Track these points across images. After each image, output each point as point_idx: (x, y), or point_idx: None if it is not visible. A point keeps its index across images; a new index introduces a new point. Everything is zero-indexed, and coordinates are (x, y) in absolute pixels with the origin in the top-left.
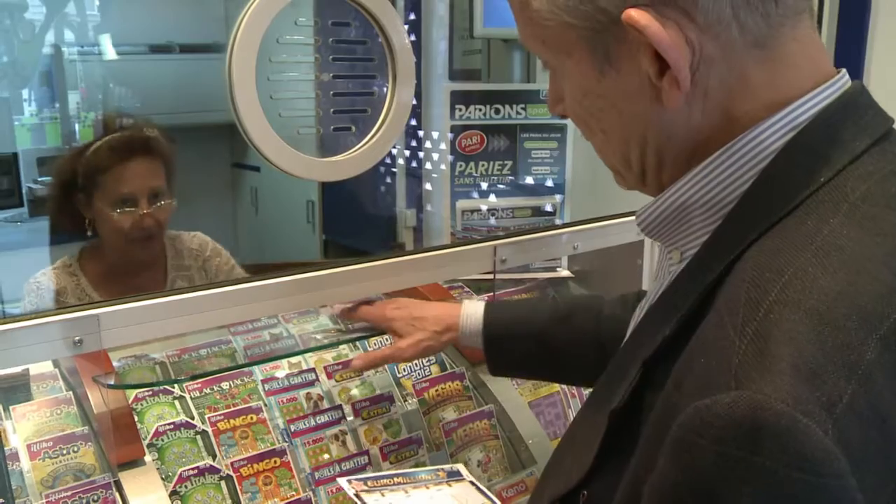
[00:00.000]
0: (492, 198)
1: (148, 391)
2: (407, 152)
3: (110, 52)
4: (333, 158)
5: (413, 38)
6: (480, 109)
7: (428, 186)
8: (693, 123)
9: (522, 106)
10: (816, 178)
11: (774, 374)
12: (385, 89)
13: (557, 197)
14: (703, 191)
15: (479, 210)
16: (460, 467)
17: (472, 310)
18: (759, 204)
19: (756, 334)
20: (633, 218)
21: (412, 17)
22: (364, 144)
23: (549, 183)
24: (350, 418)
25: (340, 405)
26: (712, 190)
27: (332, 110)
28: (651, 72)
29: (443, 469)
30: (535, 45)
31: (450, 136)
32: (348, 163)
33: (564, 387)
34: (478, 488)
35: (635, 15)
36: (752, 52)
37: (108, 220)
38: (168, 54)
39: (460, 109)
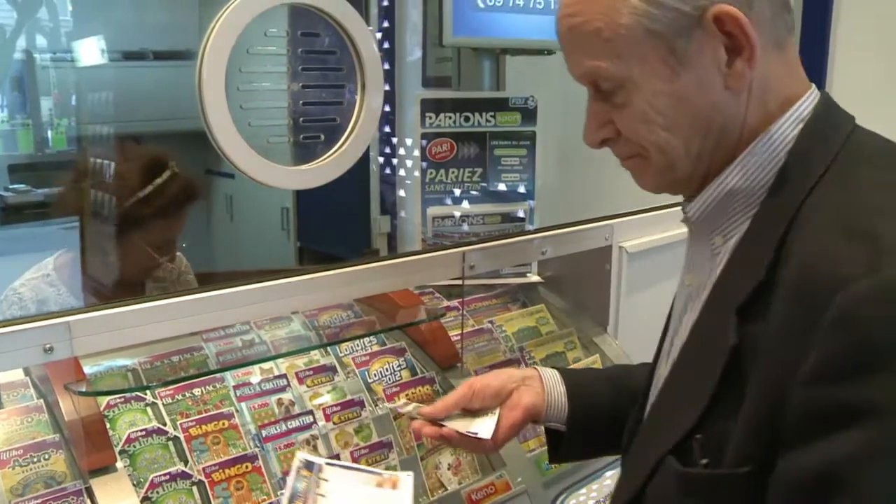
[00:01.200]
0: (463, 204)
1: (120, 398)
2: (381, 159)
3: (83, 59)
4: (303, 167)
5: (387, 45)
6: (450, 117)
7: (402, 193)
8: (740, 111)
9: (492, 114)
10: (833, 148)
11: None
12: (356, 98)
13: (529, 203)
14: (745, 177)
15: (450, 216)
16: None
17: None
18: (796, 173)
19: (865, 236)
20: (601, 223)
21: (385, 24)
22: (334, 153)
23: (521, 189)
24: (321, 423)
25: (311, 410)
26: (751, 175)
27: (301, 119)
28: (723, 60)
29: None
30: (607, 62)
31: (423, 143)
32: (318, 171)
33: None
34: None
35: (731, 10)
36: (775, 51)
37: (134, 250)
38: (142, 61)
39: (430, 117)
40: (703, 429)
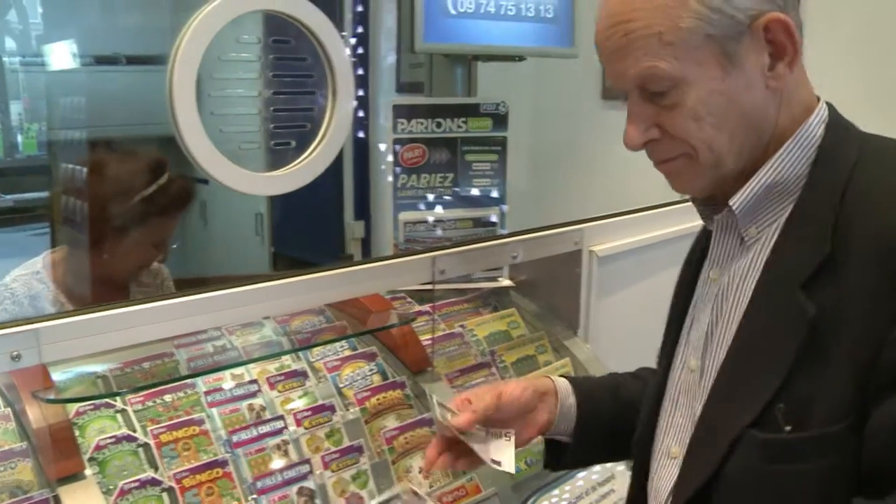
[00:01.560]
0: (435, 209)
1: (89, 405)
2: (355, 165)
3: (54, 62)
4: (274, 173)
5: (361, 50)
6: (422, 123)
7: (375, 198)
8: (774, 113)
9: (463, 120)
10: (855, 143)
11: None
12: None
13: (502, 207)
14: (784, 170)
15: (422, 222)
16: None
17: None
18: (830, 165)
19: None
20: (571, 228)
21: (360, 29)
22: (304, 159)
23: (494, 194)
24: (292, 428)
25: (282, 415)
26: (789, 169)
27: (273, 126)
28: (767, 63)
29: None
30: (665, 63)
31: (396, 148)
32: (288, 177)
33: None
34: None
35: (784, 18)
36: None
37: (132, 247)
38: (114, 65)
39: (402, 123)
40: (782, 398)
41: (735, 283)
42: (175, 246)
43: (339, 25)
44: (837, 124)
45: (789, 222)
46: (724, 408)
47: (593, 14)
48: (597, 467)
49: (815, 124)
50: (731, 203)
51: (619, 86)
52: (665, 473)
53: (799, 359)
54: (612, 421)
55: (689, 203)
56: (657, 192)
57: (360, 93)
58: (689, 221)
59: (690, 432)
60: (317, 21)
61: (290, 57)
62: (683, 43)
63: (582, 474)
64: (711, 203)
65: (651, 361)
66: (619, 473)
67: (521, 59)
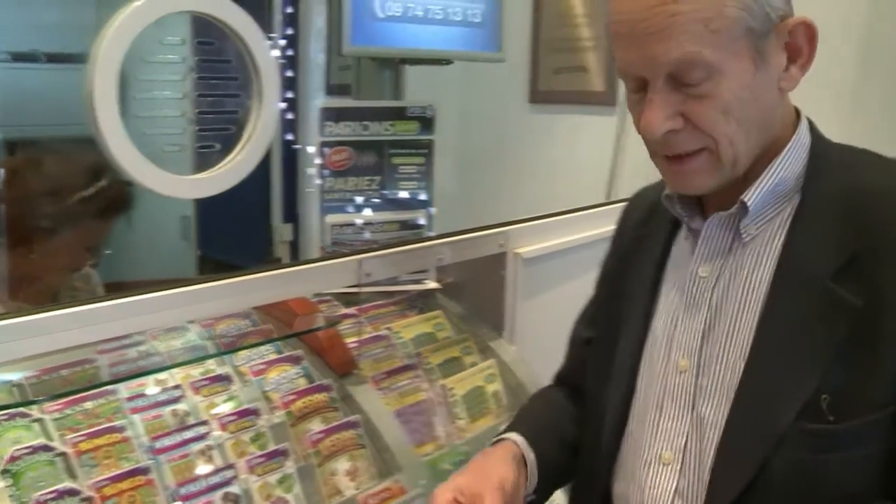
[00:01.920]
0: (362, 212)
1: (3, 415)
2: (284, 167)
3: None
4: (198, 175)
5: (291, 52)
6: (349, 126)
7: (303, 202)
8: (779, 114)
9: (391, 123)
10: (836, 148)
11: None
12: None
13: (431, 210)
14: (788, 170)
15: (348, 224)
16: None
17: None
18: (824, 166)
19: None
20: (496, 230)
21: (290, 31)
22: (229, 161)
23: (422, 196)
24: (216, 433)
25: (206, 420)
26: (790, 169)
27: (197, 128)
28: (783, 65)
29: None
30: (708, 51)
31: (324, 150)
32: (212, 180)
33: (432, 393)
34: None
35: (810, 22)
36: None
37: (64, 249)
38: (33, 63)
39: (330, 126)
40: (826, 389)
41: (739, 278)
42: (109, 252)
43: (269, 27)
44: (818, 133)
45: (796, 220)
46: (761, 403)
47: (520, 19)
48: None
49: (805, 130)
50: (744, 199)
51: (644, 72)
52: (661, 481)
53: (840, 349)
54: (560, 464)
55: (611, 206)
56: (583, 195)
57: (290, 95)
58: (612, 224)
59: (686, 435)
60: (241, 23)
61: (215, 59)
62: (728, 32)
63: None
64: (691, 203)
65: None
66: None
67: (448, 62)
